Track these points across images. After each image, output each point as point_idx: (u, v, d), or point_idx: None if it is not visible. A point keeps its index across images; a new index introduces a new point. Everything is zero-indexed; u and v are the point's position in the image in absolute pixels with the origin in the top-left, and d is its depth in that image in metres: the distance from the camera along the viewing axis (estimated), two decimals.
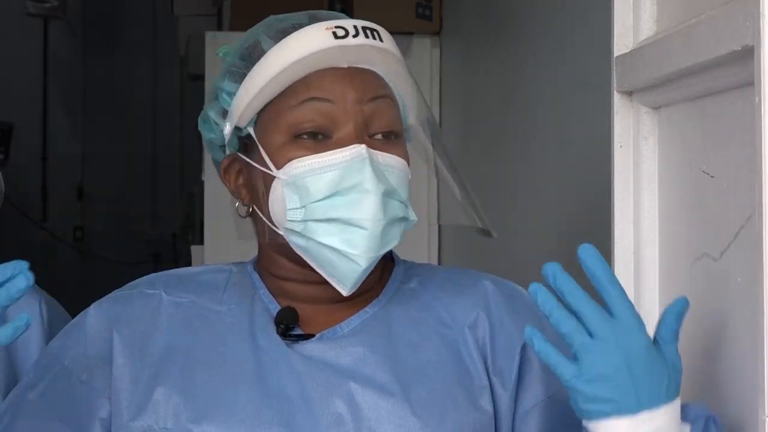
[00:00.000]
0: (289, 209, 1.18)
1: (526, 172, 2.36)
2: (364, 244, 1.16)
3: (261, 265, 1.28)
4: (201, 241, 3.46)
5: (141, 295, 1.25)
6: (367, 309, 1.24)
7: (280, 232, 1.20)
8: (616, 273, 1.31)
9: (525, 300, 1.27)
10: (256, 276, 1.28)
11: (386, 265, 1.29)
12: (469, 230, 1.32)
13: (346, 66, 1.20)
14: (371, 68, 1.22)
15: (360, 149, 1.16)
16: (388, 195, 1.17)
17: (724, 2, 1.04)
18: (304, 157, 1.17)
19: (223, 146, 1.27)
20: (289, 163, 1.18)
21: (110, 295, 1.28)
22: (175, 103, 5.90)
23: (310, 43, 1.19)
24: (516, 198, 2.44)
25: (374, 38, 1.21)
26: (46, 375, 1.22)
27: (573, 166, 2.02)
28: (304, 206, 1.17)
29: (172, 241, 5.91)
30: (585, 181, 1.90)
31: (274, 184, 1.19)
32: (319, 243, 1.17)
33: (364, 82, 1.20)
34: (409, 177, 1.22)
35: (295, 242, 1.20)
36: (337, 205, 1.16)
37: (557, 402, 1.21)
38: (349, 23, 1.21)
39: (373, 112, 1.19)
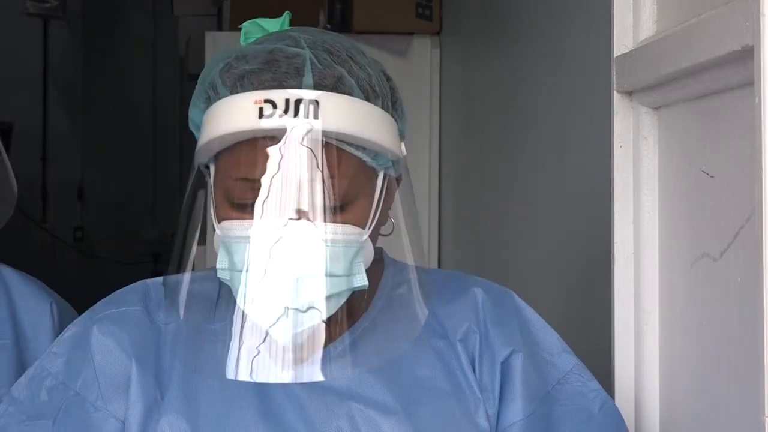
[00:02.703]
0: (219, 268, 1.17)
1: (526, 172, 2.35)
2: (279, 329, 1.10)
3: None
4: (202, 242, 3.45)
5: (143, 314, 1.23)
6: (357, 324, 1.21)
7: None
8: (616, 273, 1.32)
9: (513, 307, 1.26)
10: None
11: (375, 267, 1.23)
12: (469, 231, 1.31)
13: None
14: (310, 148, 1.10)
15: (277, 229, 1.10)
16: (313, 275, 1.10)
17: (724, 2, 1.04)
18: (232, 221, 1.14)
19: None
20: (222, 222, 1.16)
21: (106, 312, 1.24)
22: (175, 103, 5.90)
23: (235, 118, 1.12)
24: (516, 198, 2.43)
25: (306, 115, 1.09)
26: (57, 402, 1.19)
27: (573, 166, 2.02)
28: (231, 270, 1.15)
29: (172, 241, 5.90)
30: (585, 181, 1.90)
31: (215, 234, 1.18)
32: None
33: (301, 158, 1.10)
34: (363, 239, 1.13)
35: None
36: (251, 284, 1.11)
37: (537, 419, 1.19)
38: (281, 96, 1.10)
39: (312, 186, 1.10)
